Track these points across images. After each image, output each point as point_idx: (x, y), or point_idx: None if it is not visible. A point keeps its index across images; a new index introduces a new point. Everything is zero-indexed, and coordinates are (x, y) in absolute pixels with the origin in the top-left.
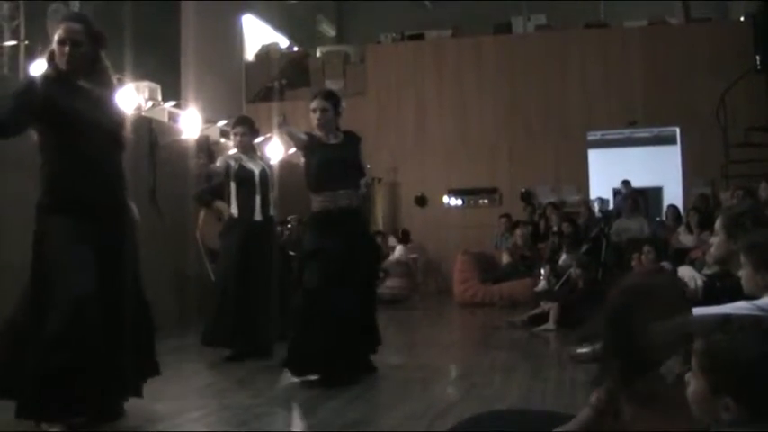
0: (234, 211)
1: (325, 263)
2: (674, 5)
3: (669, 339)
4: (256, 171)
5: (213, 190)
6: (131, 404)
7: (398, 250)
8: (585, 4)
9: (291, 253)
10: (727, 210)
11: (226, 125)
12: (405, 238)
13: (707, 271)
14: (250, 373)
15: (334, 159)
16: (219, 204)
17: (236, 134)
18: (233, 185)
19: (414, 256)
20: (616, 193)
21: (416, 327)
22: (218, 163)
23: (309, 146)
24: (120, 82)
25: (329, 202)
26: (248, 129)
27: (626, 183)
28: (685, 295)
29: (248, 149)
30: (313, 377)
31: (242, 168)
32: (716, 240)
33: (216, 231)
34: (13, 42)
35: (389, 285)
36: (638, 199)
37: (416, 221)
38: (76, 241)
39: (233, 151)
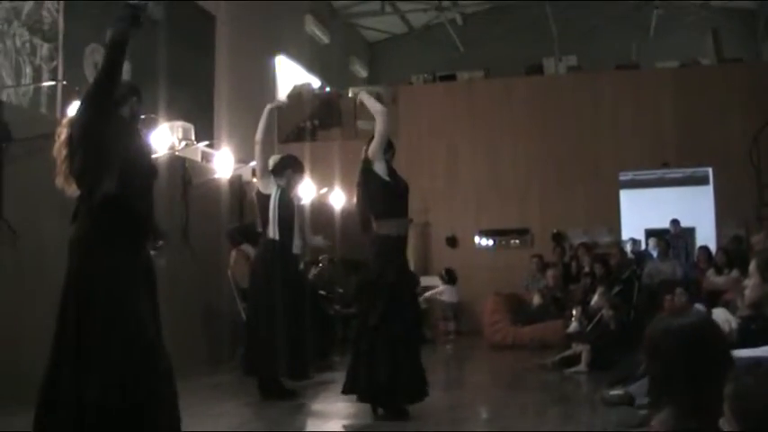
0: (273, 233)
1: (403, 290)
2: (706, 46)
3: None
4: (296, 205)
5: (242, 230)
6: None
7: (447, 291)
8: (617, 45)
9: (322, 292)
10: (761, 252)
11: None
12: (451, 278)
13: (741, 313)
14: (282, 413)
15: (405, 188)
16: (246, 247)
17: (296, 172)
18: (276, 210)
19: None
20: (649, 234)
21: (446, 367)
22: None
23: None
24: (155, 122)
25: (401, 227)
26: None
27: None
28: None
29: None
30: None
31: (285, 194)
32: (750, 283)
33: (246, 270)
34: (51, 83)
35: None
36: (669, 241)
37: (447, 262)
38: (134, 285)
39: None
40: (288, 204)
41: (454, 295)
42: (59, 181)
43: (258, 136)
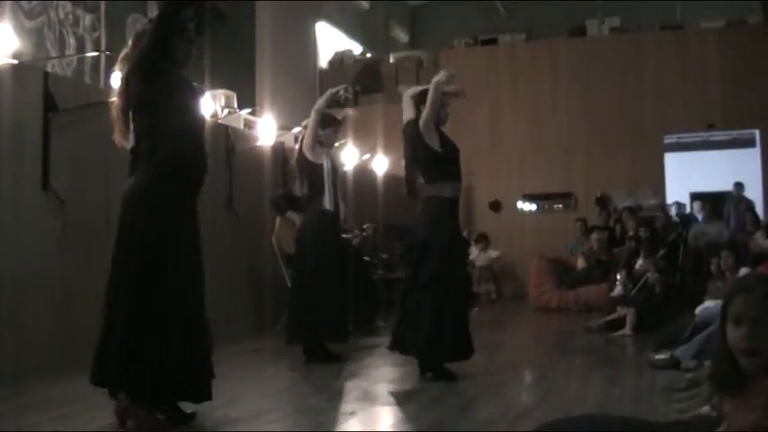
0: (330, 204)
1: (455, 253)
2: (752, 4)
3: None
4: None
5: (287, 197)
6: (206, 406)
7: (482, 255)
8: (661, 5)
9: (366, 258)
10: None
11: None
12: (483, 242)
13: None
14: (328, 377)
15: (456, 152)
16: (291, 214)
17: (336, 130)
18: (330, 181)
19: (496, 254)
20: (694, 197)
21: (491, 331)
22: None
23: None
24: (199, 90)
25: (454, 189)
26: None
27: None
28: None
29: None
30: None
31: (334, 164)
32: None
33: (292, 237)
34: (95, 53)
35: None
36: (716, 204)
37: (491, 226)
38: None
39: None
40: (337, 174)
41: (485, 259)
42: (117, 138)
43: (317, 105)
